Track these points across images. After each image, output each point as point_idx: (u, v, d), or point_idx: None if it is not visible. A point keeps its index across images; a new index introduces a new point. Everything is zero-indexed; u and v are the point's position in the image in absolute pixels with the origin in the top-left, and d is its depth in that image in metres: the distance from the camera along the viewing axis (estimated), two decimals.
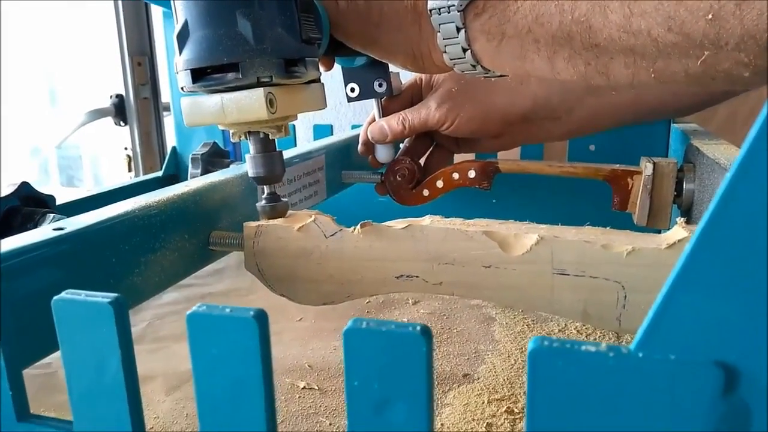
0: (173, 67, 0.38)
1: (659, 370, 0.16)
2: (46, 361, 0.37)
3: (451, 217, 0.40)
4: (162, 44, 0.95)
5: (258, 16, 0.35)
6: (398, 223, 0.39)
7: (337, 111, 0.94)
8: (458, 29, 0.37)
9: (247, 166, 0.41)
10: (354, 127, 0.86)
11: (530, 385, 0.18)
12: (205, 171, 0.71)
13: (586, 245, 0.35)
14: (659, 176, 0.56)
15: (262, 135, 0.40)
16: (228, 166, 0.67)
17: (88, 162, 1.55)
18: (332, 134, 0.81)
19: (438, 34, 0.38)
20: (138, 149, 1.16)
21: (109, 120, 1.16)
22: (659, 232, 0.46)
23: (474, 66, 0.39)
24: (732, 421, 0.16)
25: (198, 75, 0.36)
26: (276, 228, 0.41)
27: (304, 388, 0.45)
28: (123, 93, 1.14)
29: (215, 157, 0.74)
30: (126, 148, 1.16)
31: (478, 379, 0.46)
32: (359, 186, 0.69)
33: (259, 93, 0.36)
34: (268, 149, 0.41)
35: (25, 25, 1.51)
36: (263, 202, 0.42)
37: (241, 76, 0.35)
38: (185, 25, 0.36)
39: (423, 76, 0.63)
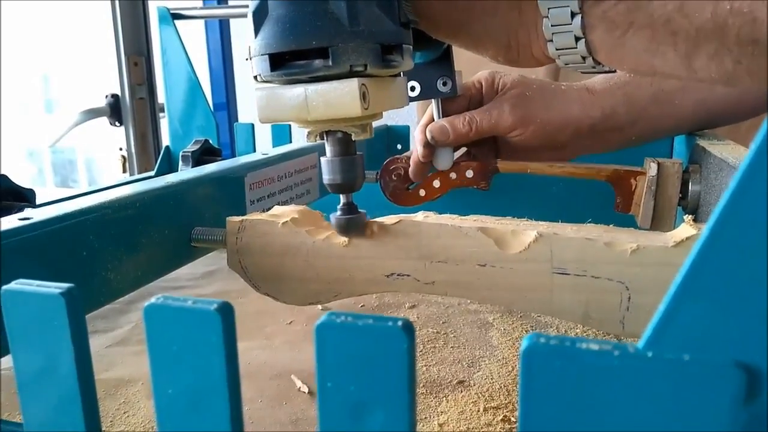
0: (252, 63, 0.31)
1: (671, 372, 0.14)
2: None
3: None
4: (159, 44, 0.94)
5: None
6: (389, 219, 0.37)
7: None
8: (573, 15, 0.33)
9: (323, 171, 0.36)
10: None
11: (524, 387, 0.16)
12: None
13: (588, 243, 0.33)
14: (664, 177, 0.54)
15: (340, 135, 0.35)
16: None
17: (82, 163, 1.54)
18: None
19: (545, 19, 0.34)
20: (133, 150, 1.15)
21: (104, 120, 1.15)
22: None
23: (584, 58, 0.35)
24: (755, 431, 0.14)
25: (278, 61, 0.31)
26: (260, 224, 0.39)
27: (292, 392, 0.43)
28: (119, 93, 1.13)
29: (207, 155, 0.72)
30: (121, 149, 1.15)
31: (474, 386, 0.44)
32: None
33: (352, 85, 0.30)
34: (348, 152, 0.35)
35: (22, 24, 1.51)
36: (338, 213, 0.37)
37: (331, 64, 0.30)
38: (263, 0, 0.30)
39: (484, 79, 0.58)
